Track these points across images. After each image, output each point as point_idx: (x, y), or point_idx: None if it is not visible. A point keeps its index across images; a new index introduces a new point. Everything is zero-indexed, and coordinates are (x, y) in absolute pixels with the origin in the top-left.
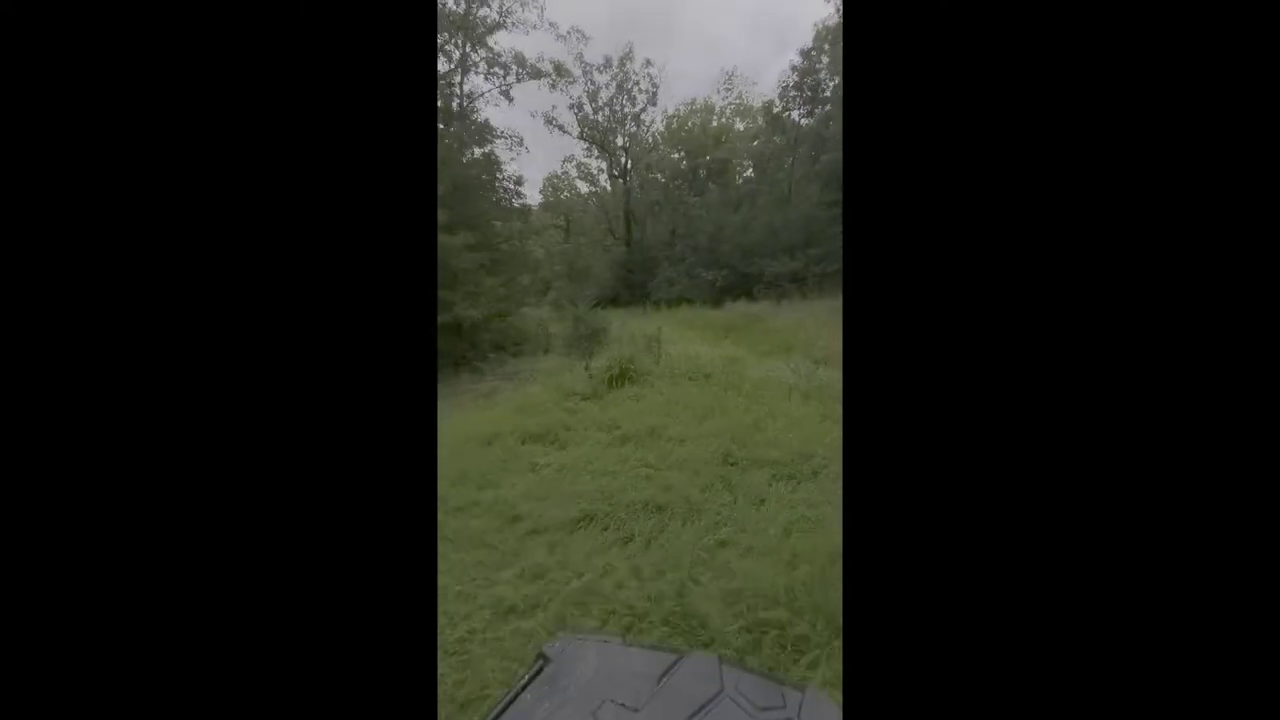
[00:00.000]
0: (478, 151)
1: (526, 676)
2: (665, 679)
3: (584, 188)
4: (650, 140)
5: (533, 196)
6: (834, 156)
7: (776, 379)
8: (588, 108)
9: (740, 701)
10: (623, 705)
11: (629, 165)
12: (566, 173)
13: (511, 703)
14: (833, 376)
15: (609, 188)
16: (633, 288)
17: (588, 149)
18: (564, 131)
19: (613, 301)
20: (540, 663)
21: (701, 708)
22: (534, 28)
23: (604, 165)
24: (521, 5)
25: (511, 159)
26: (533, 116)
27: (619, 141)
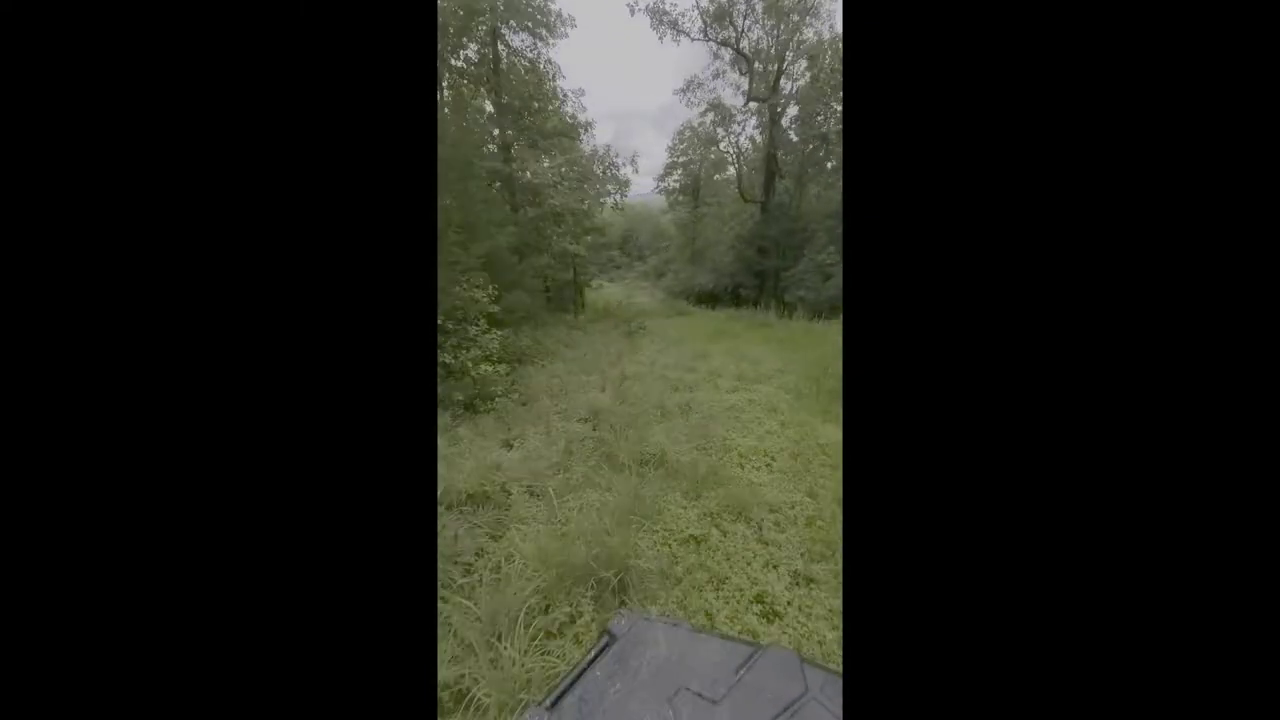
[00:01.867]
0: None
1: (593, 652)
2: (743, 672)
3: (722, 135)
4: (823, 39)
5: (657, 155)
6: None
7: None
8: None
9: (830, 706)
10: (700, 695)
11: (778, 77)
12: (703, 122)
13: (579, 677)
14: None
15: (754, 129)
16: (763, 278)
17: (718, 56)
18: (680, 32)
19: (734, 297)
20: (606, 639)
21: (786, 708)
22: None
23: (741, 86)
24: None
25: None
26: (632, 11)
27: (765, 44)
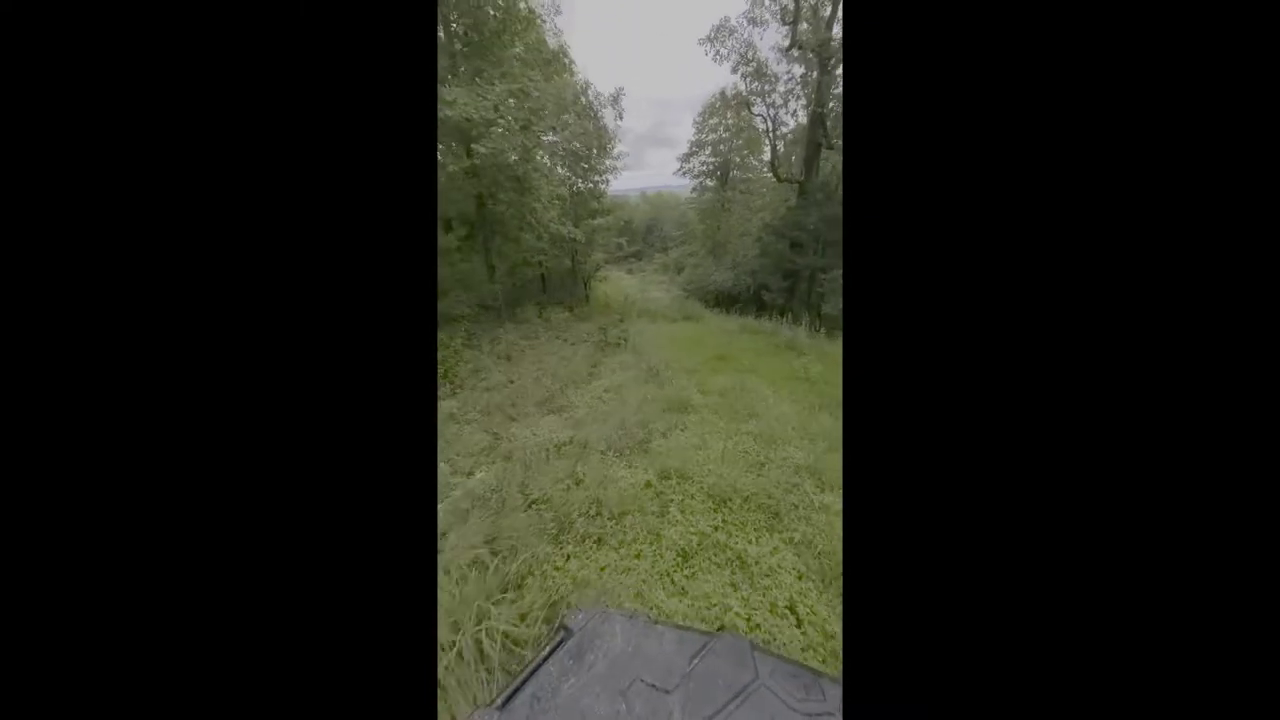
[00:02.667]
0: None
1: (548, 648)
2: (696, 661)
3: (756, 98)
4: None
5: (683, 127)
6: None
7: None
8: None
9: (778, 692)
10: (653, 687)
11: (832, 19)
12: (734, 83)
13: (534, 673)
14: None
15: (796, 95)
16: (795, 280)
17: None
18: None
19: (757, 302)
20: (562, 634)
21: (736, 695)
22: None
23: (783, 44)
24: None
25: None
26: None
27: None
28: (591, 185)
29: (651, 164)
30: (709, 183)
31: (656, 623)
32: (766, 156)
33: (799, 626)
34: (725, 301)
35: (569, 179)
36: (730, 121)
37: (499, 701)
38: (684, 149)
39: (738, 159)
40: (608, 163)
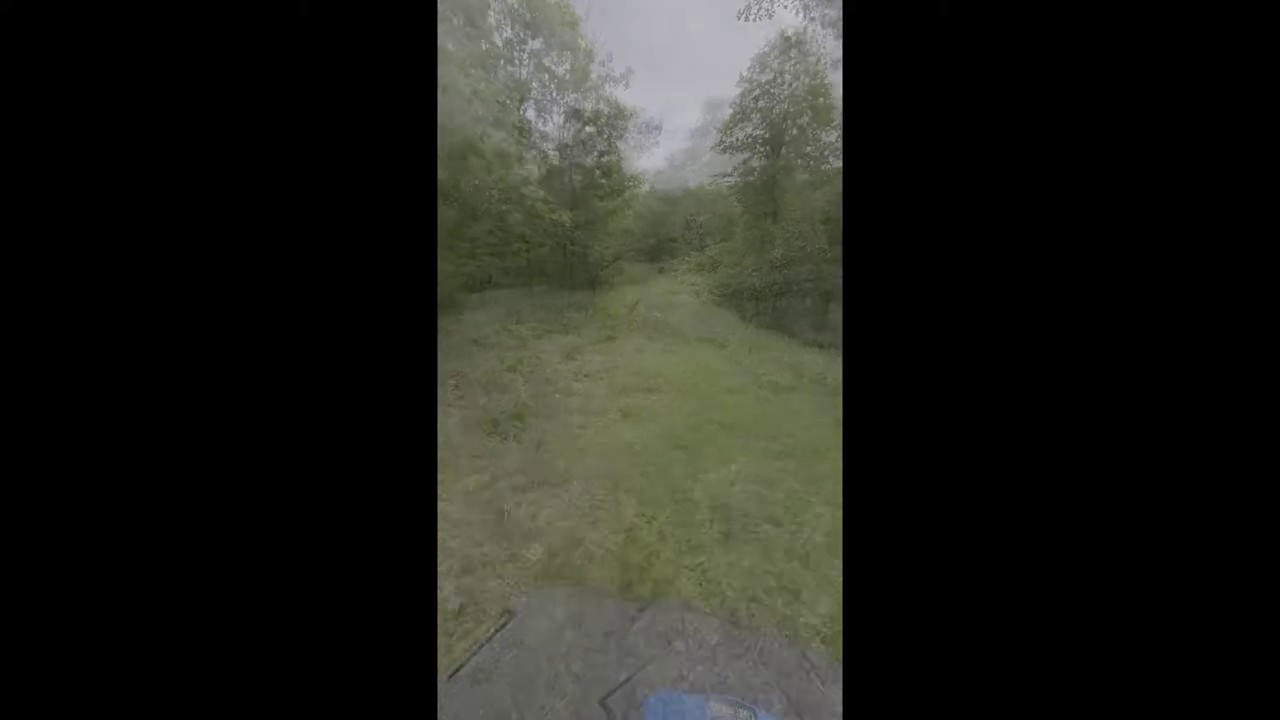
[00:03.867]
0: None
1: (493, 630)
2: (635, 623)
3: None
4: None
5: (725, 93)
6: None
7: None
8: None
9: (706, 639)
10: (590, 649)
11: None
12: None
13: (477, 652)
14: None
15: None
16: None
17: None
18: None
19: (817, 314)
20: (506, 617)
21: (668, 644)
22: None
23: None
24: None
25: None
26: None
27: None
28: (597, 156)
29: (702, 159)
30: (755, 161)
31: (601, 597)
32: (829, 111)
33: None
34: (773, 312)
35: (567, 145)
36: (794, 28)
37: (444, 679)
38: (727, 116)
39: (795, 129)
40: (616, 108)
